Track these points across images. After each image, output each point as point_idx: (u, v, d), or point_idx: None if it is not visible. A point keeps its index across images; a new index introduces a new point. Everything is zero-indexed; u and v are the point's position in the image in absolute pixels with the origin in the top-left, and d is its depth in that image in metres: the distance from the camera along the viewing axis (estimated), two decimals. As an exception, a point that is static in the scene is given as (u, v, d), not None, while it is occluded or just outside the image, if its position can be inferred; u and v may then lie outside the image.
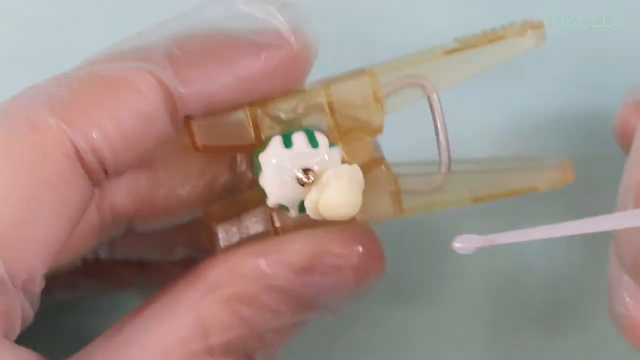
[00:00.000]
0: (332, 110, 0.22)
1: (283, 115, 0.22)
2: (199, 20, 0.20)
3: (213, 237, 0.23)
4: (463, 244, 0.20)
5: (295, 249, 0.22)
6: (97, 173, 0.20)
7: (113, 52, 0.20)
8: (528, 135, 0.31)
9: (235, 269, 0.22)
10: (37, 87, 0.20)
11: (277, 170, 0.21)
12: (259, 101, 0.21)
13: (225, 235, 0.23)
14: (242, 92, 0.21)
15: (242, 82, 0.20)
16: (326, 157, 0.21)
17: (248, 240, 0.23)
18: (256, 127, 0.21)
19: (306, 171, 0.21)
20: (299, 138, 0.21)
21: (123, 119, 0.19)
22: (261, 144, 0.22)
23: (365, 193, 0.22)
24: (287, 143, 0.21)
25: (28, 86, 0.20)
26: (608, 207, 0.22)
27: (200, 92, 0.20)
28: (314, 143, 0.21)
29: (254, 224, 0.23)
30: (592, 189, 0.29)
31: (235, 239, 0.23)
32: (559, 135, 0.31)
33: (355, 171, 0.21)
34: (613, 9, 0.31)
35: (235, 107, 0.21)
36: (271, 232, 0.23)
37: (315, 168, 0.21)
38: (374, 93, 0.22)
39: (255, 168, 0.22)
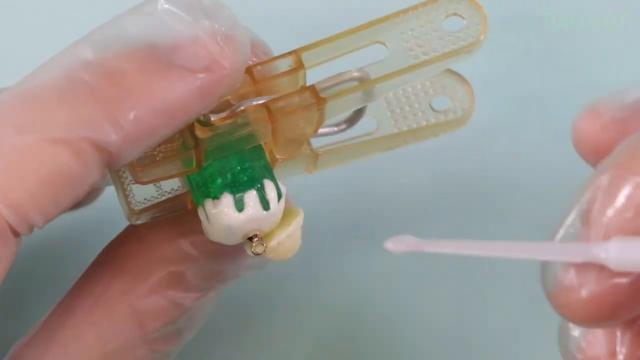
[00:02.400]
0: (274, 129, 0.21)
1: (221, 130, 0.21)
2: (119, 34, 0.18)
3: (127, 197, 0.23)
4: (394, 245, 0.19)
5: None
6: (24, 230, 0.19)
7: (37, 89, 0.18)
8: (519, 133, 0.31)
9: (159, 254, 0.22)
10: None
11: (228, 232, 0.21)
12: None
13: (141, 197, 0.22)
14: (173, 118, 0.19)
15: (173, 109, 0.19)
16: (276, 217, 0.22)
17: (160, 206, 0.23)
18: (199, 154, 0.21)
19: (255, 235, 0.22)
20: (251, 200, 0.21)
21: (53, 186, 0.18)
22: (201, 166, 0.21)
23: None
24: (239, 206, 0.21)
25: None
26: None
27: (130, 130, 0.18)
28: (264, 205, 0.21)
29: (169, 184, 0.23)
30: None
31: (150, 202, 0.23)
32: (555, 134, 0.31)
33: (300, 223, 0.22)
34: (613, 9, 0.32)
35: (167, 133, 0.19)
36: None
37: (264, 229, 0.22)
38: (316, 111, 0.21)
39: (193, 193, 0.22)
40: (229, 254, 0.23)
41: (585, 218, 0.18)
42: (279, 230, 0.22)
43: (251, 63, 0.21)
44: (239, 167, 0.21)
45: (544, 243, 0.19)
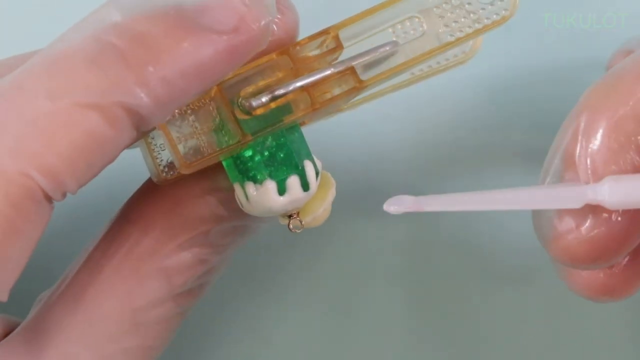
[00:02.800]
0: (314, 111, 0.22)
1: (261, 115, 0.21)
2: None
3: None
4: (393, 207, 0.20)
5: None
6: (58, 196, 0.19)
7: (62, 51, 0.18)
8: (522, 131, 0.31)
9: (189, 214, 0.23)
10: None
11: (267, 212, 0.22)
12: (225, 93, 0.21)
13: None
14: (201, 79, 0.19)
15: (201, 70, 0.19)
16: (314, 193, 0.22)
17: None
18: (238, 128, 0.21)
19: (293, 214, 0.22)
20: (293, 184, 0.22)
21: (85, 151, 0.18)
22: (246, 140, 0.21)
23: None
24: (281, 190, 0.22)
25: None
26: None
27: (160, 93, 0.18)
28: (305, 187, 0.22)
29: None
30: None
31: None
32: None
33: (333, 194, 0.23)
34: (613, 9, 0.32)
35: (196, 94, 0.19)
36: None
37: (302, 206, 0.22)
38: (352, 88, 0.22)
39: (229, 170, 0.22)
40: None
41: (569, 162, 0.19)
42: (315, 203, 0.22)
43: (277, 20, 0.21)
44: (275, 143, 0.22)
45: (538, 190, 0.19)
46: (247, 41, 0.18)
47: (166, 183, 0.23)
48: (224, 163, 0.22)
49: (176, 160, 0.21)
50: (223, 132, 0.21)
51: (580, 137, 0.19)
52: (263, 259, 0.31)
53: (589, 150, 0.19)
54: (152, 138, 0.23)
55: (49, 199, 0.18)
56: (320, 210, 0.22)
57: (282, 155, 0.22)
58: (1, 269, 0.17)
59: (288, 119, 0.21)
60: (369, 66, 0.22)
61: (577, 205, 0.18)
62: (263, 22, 0.18)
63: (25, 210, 0.17)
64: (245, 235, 0.24)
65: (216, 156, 0.21)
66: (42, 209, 0.18)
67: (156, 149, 0.23)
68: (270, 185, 0.21)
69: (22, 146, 0.17)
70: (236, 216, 0.23)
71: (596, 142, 0.19)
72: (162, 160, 0.23)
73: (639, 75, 0.19)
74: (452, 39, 0.22)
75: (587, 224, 0.18)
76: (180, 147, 0.21)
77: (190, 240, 0.23)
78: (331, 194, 0.23)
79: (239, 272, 0.31)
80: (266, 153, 0.22)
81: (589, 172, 0.18)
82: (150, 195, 0.23)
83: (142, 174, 0.24)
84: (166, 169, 0.23)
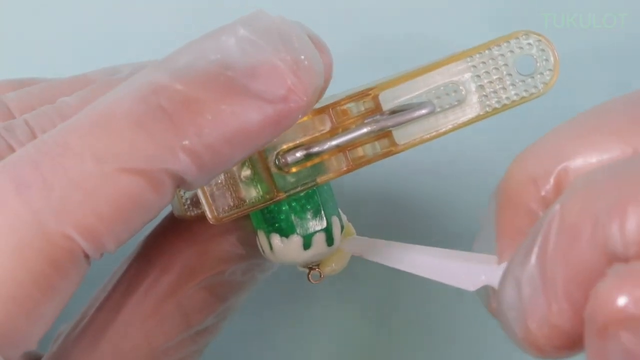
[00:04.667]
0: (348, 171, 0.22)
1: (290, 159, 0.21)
2: (196, 60, 0.18)
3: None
4: (347, 246, 0.22)
5: None
6: (96, 256, 0.18)
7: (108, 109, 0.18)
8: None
9: (210, 253, 0.23)
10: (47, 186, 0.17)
11: (289, 263, 0.22)
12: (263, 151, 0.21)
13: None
14: (246, 146, 0.18)
15: (248, 137, 0.18)
16: (337, 247, 0.22)
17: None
18: (272, 185, 0.21)
19: (314, 267, 0.23)
20: (319, 240, 0.22)
21: (127, 214, 0.18)
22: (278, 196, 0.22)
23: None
24: (307, 245, 0.22)
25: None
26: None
27: (206, 159, 0.18)
28: (330, 242, 0.22)
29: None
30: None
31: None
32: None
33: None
34: (613, 9, 0.32)
35: (239, 160, 0.19)
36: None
37: (323, 258, 0.23)
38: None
39: (254, 217, 0.22)
40: None
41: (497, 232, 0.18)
42: (336, 255, 0.23)
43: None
44: (305, 195, 0.22)
45: (445, 263, 0.19)
46: (295, 110, 0.18)
47: (187, 219, 0.23)
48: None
49: (208, 212, 0.21)
50: (256, 187, 0.21)
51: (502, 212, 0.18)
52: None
53: (504, 227, 0.18)
54: None
55: (87, 258, 0.18)
56: (341, 263, 0.23)
57: (311, 211, 0.22)
58: (35, 324, 0.17)
59: (322, 179, 0.21)
60: (404, 125, 0.22)
61: (472, 287, 0.18)
62: (312, 91, 0.18)
63: (65, 270, 0.17)
64: (264, 271, 0.24)
65: (248, 211, 0.21)
66: (80, 267, 0.18)
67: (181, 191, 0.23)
68: (297, 240, 0.22)
69: (66, 207, 0.17)
70: (255, 254, 0.23)
71: (509, 221, 0.18)
72: (186, 198, 0.23)
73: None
74: (489, 109, 0.22)
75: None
76: (212, 200, 0.21)
77: (209, 279, 0.23)
78: (349, 244, 0.23)
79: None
80: (294, 204, 0.22)
81: (500, 252, 0.18)
82: (169, 233, 0.23)
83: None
84: (190, 207, 0.23)
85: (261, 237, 0.22)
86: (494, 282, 0.18)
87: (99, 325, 0.22)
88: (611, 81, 0.32)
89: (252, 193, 0.21)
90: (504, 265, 0.17)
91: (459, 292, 0.19)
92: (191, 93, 0.18)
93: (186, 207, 0.23)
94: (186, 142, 0.17)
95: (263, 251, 0.22)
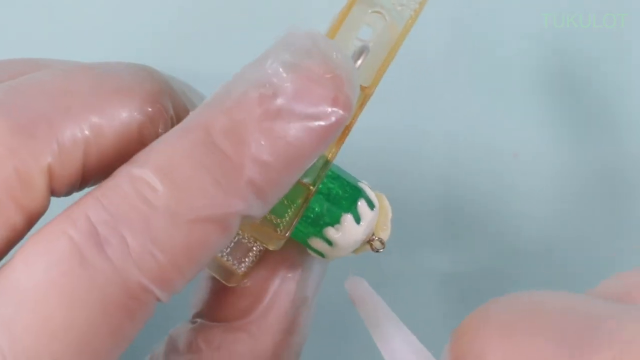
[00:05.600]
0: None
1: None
2: (240, 94, 0.18)
3: None
4: (349, 286, 0.22)
5: None
6: (166, 299, 0.19)
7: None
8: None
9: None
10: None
11: (354, 245, 0.23)
12: None
13: None
14: (301, 168, 0.19)
15: (301, 159, 0.19)
16: (378, 209, 0.23)
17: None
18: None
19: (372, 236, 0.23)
20: (363, 208, 0.22)
21: (199, 259, 0.18)
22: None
23: None
24: (357, 219, 0.22)
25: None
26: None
27: (269, 192, 0.18)
28: (371, 206, 0.23)
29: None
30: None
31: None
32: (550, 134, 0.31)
33: (388, 203, 0.23)
34: (613, 9, 0.32)
35: (291, 185, 0.19)
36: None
37: (374, 225, 0.23)
38: None
39: (298, 235, 0.23)
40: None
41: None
42: (381, 218, 0.23)
43: None
44: (327, 185, 0.22)
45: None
46: (341, 123, 0.19)
47: (244, 279, 0.23)
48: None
49: (269, 240, 0.22)
50: (286, 202, 0.22)
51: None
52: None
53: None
54: None
55: (158, 301, 0.18)
56: (389, 221, 0.23)
57: (339, 188, 0.22)
58: None
59: (330, 155, 0.22)
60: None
61: None
62: (353, 103, 0.19)
63: (139, 319, 0.18)
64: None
65: (298, 216, 0.21)
66: (150, 313, 0.18)
67: (219, 252, 0.23)
68: (348, 218, 0.22)
69: (145, 262, 0.17)
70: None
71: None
72: (232, 259, 0.23)
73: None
74: (412, 12, 0.22)
75: None
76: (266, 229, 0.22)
77: None
78: (388, 205, 0.23)
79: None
80: (322, 191, 0.22)
81: None
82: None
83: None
84: (239, 263, 0.23)
85: (315, 242, 0.22)
86: None
87: None
88: (611, 81, 0.32)
89: (285, 208, 0.22)
90: None
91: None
92: (244, 128, 0.18)
93: (237, 266, 0.23)
94: (249, 180, 0.18)
95: (324, 254, 0.23)
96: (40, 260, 0.17)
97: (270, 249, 0.22)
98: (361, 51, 0.22)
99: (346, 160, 0.23)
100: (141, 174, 0.18)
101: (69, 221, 0.17)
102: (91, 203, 0.18)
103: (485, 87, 0.32)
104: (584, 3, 0.32)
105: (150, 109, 0.20)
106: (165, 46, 0.31)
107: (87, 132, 0.19)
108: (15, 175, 0.18)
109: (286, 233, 0.21)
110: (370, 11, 0.22)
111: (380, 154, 0.31)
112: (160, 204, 0.18)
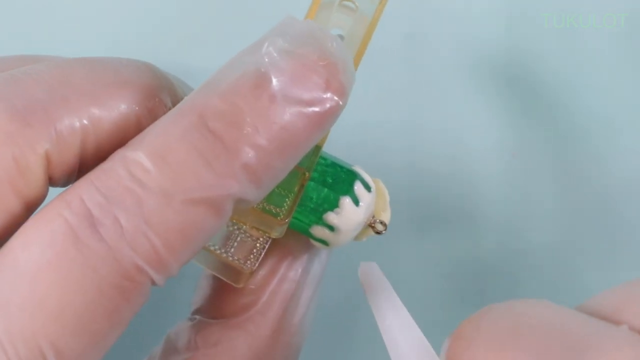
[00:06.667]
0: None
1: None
2: (237, 76, 0.18)
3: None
4: (362, 270, 0.22)
5: None
6: (161, 282, 0.19)
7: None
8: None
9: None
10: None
11: (356, 228, 0.23)
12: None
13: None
14: (298, 154, 0.19)
15: (298, 145, 0.19)
16: (375, 192, 0.23)
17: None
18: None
19: (373, 219, 0.23)
20: (360, 190, 0.22)
21: (193, 241, 0.18)
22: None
23: None
24: (356, 201, 0.22)
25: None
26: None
27: (263, 177, 0.19)
28: (367, 188, 0.23)
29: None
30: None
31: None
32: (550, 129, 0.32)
33: (383, 186, 0.24)
34: (613, 9, 0.32)
35: (290, 169, 0.19)
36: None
37: (373, 207, 0.23)
38: None
39: (299, 226, 0.23)
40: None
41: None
42: (379, 200, 0.23)
43: None
44: (321, 171, 0.22)
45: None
46: (337, 110, 0.19)
47: (251, 278, 0.23)
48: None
49: (272, 227, 0.22)
50: (283, 192, 0.22)
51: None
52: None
53: None
54: (213, 245, 0.23)
55: (153, 284, 0.18)
56: (387, 203, 0.23)
57: (333, 172, 0.22)
58: (101, 353, 0.18)
59: (320, 141, 0.22)
60: None
61: None
62: (349, 90, 0.19)
63: (134, 301, 0.18)
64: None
65: (296, 202, 0.22)
66: (146, 295, 0.18)
67: (224, 253, 0.23)
68: (347, 201, 0.22)
69: (138, 243, 0.17)
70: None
71: None
72: (235, 259, 0.23)
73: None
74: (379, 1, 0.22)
75: None
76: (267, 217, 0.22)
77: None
78: (384, 187, 0.24)
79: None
80: (317, 178, 0.22)
81: None
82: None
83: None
84: (247, 262, 0.23)
85: (317, 230, 0.22)
86: None
87: None
88: (611, 81, 0.32)
89: (281, 196, 0.22)
90: None
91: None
92: (238, 112, 0.18)
93: (244, 264, 0.23)
94: (243, 163, 0.18)
95: (327, 241, 0.23)
96: (36, 241, 0.17)
97: (273, 236, 0.22)
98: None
99: (345, 158, 0.23)
100: (135, 157, 0.18)
101: (63, 203, 0.17)
102: (85, 186, 0.18)
103: (485, 87, 0.32)
104: (584, 3, 0.32)
105: (149, 102, 0.20)
106: (165, 46, 0.31)
107: (85, 122, 0.19)
108: (13, 162, 0.18)
109: (287, 218, 0.22)
110: (337, 3, 0.22)
111: (376, 151, 0.31)
112: (154, 185, 0.18)
